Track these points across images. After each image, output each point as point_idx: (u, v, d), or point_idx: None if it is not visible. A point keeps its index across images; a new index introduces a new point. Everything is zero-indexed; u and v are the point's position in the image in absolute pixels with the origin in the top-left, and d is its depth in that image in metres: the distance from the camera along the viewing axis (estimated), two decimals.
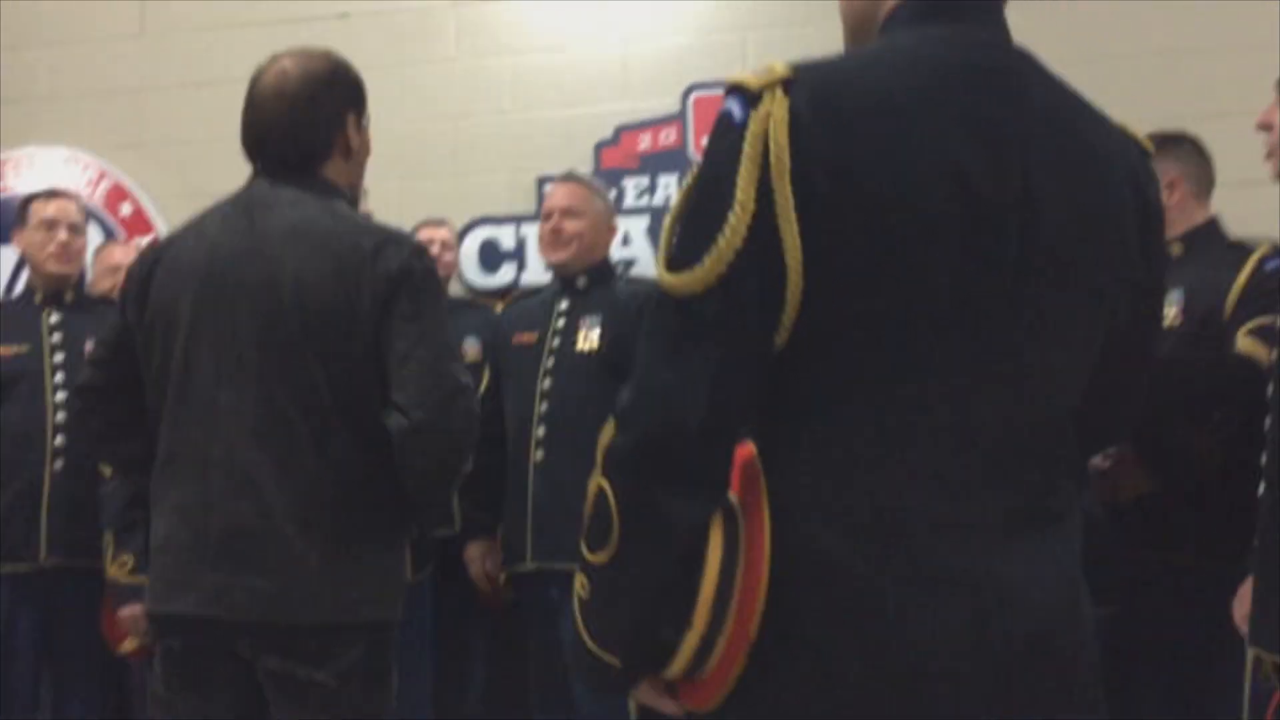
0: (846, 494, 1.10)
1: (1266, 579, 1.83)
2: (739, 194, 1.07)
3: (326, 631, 1.79)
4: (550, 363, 3.08)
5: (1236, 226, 2.94)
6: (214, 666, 1.84)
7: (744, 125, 1.09)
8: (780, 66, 1.13)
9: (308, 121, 1.91)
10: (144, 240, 4.63)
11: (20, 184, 4.89)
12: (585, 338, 3.05)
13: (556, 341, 3.09)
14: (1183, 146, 2.86)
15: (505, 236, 4.40)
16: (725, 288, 1.08)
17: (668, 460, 1.10)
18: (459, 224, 4.33)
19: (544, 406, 3.04)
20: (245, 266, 1.86)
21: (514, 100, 4.51)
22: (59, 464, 3.10)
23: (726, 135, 1.11)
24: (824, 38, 4.07)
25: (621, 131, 4.36)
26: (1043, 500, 1.15)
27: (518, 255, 4.38)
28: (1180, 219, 2.79)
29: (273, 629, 1.78)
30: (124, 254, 3.66)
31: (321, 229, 1.84)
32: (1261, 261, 2.72)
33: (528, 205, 4.36)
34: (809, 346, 1.11)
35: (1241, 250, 2.78)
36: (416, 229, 4.04)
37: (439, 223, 4.01)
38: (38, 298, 3.31)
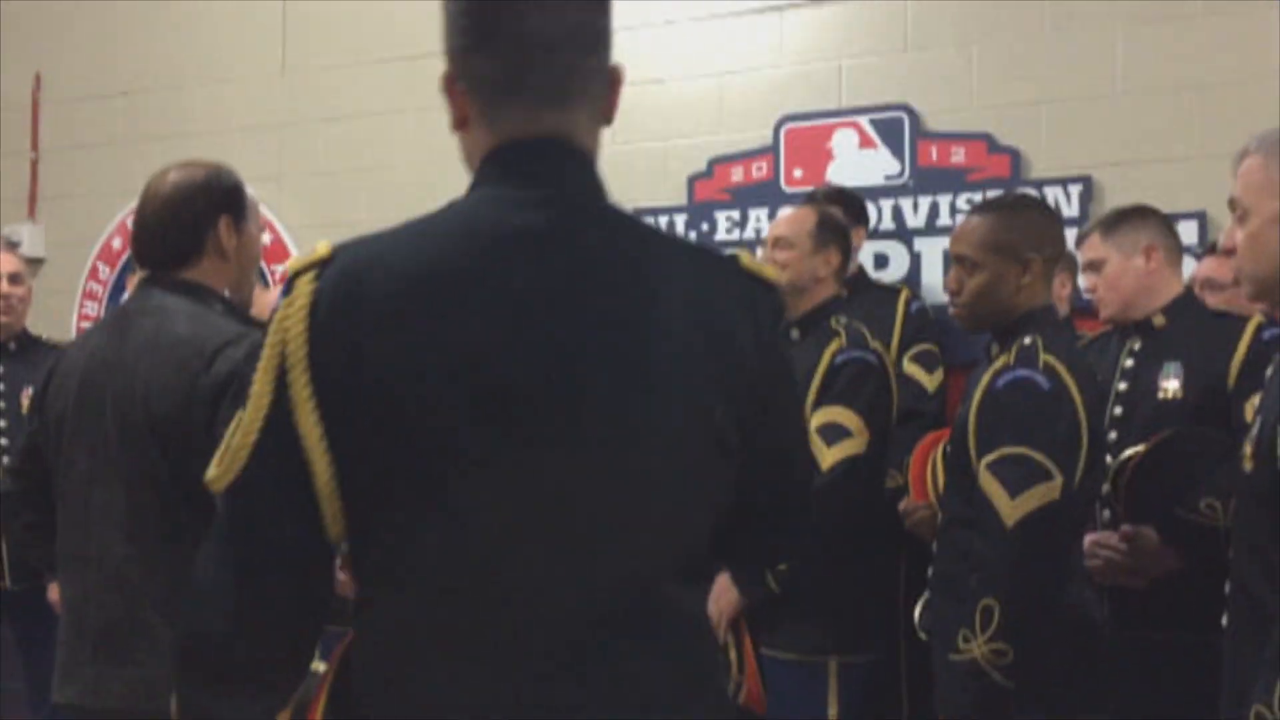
0: (395, 695, 1.07)
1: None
2: (255, 386, 1.07)
3: None
4: None
5: None
6: None
7: (275, 313, 1.09)
8: (323, 247, 1.12)
9: (176, 224, 2.02)
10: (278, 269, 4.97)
11: None
12: None
13: None
14: (1152, 217, 2.81)
15: None
16: (247, 484, 1.06)
17: (206, 661, 1.08)
18: None
19: None
20: (111, 376, 1.99)
21: (614, 132, 4.54)
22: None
23: (269, 323, 1.10)
24: (920, 65, 4.01)
25: (714, 164, 4.35)
26: (640, 688, 1.06)
27: None
28: (1161, 287, 2.78)
29: (146, 718, 1.85)
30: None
31: (172, 338, 1.95)
32: (1259, 330, 2.60)
33: None
34: (365, 536, 1.09)
35: (1229, 319, 2.69)
36: None
37: None
38: None
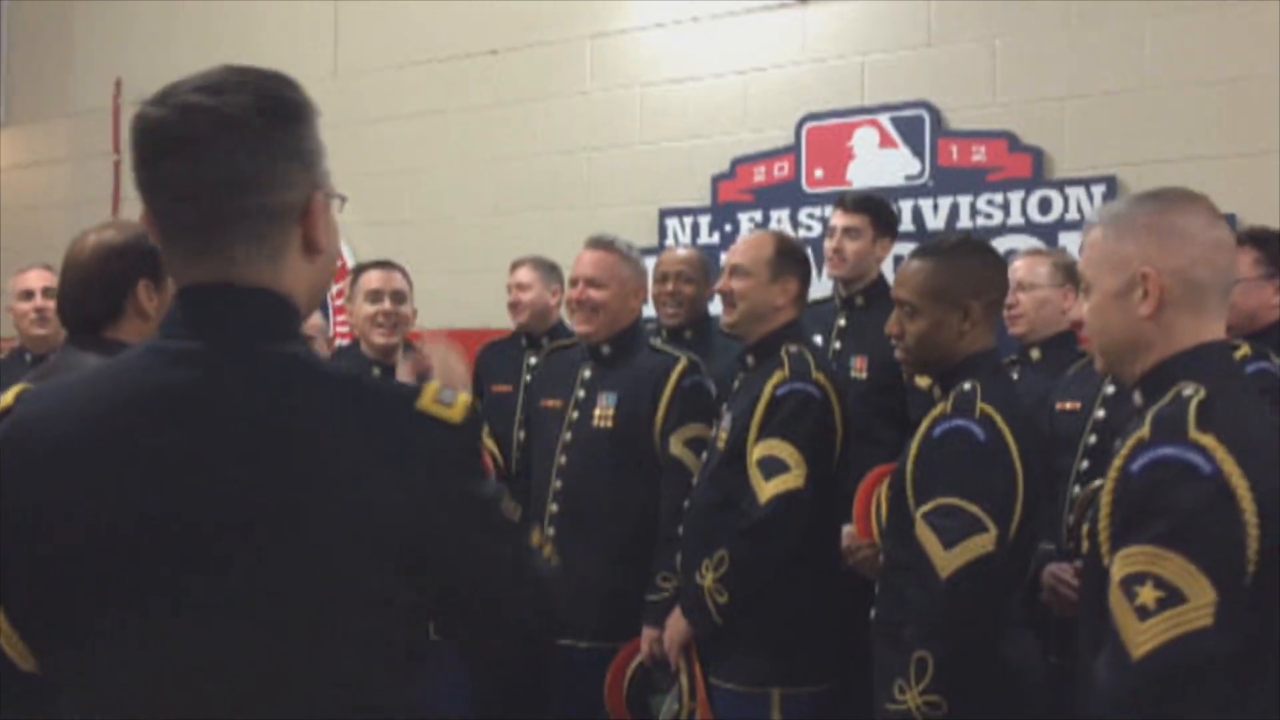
0: None
1: None
2: None
3: None
4: (568, 436, 3.13)
5: None
6: None
7: None
8: (9, 396, 1.14)
9: (95, 287, 2.06)
10: None
11: None
12: (601, 413, 3.09)
13: (576, 414, 3.13)
14: None
15: None
16: None
17: None
18: None
19: (558, 483, 3.12)
20: None
21: (641, 132, 4.55)
22: None
23: None
24: (944, 61, 3.88)
25: (737, 164, 4.31)
26: None
27: None
28: None
29: None
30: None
31: None
32: (1241, 364, 2.44)
33: (650, 238, 4.42)
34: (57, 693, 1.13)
35: None
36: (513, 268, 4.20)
37: (518, 264, 3.98)
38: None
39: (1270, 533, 1.50)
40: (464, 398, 1.17)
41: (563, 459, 3.12)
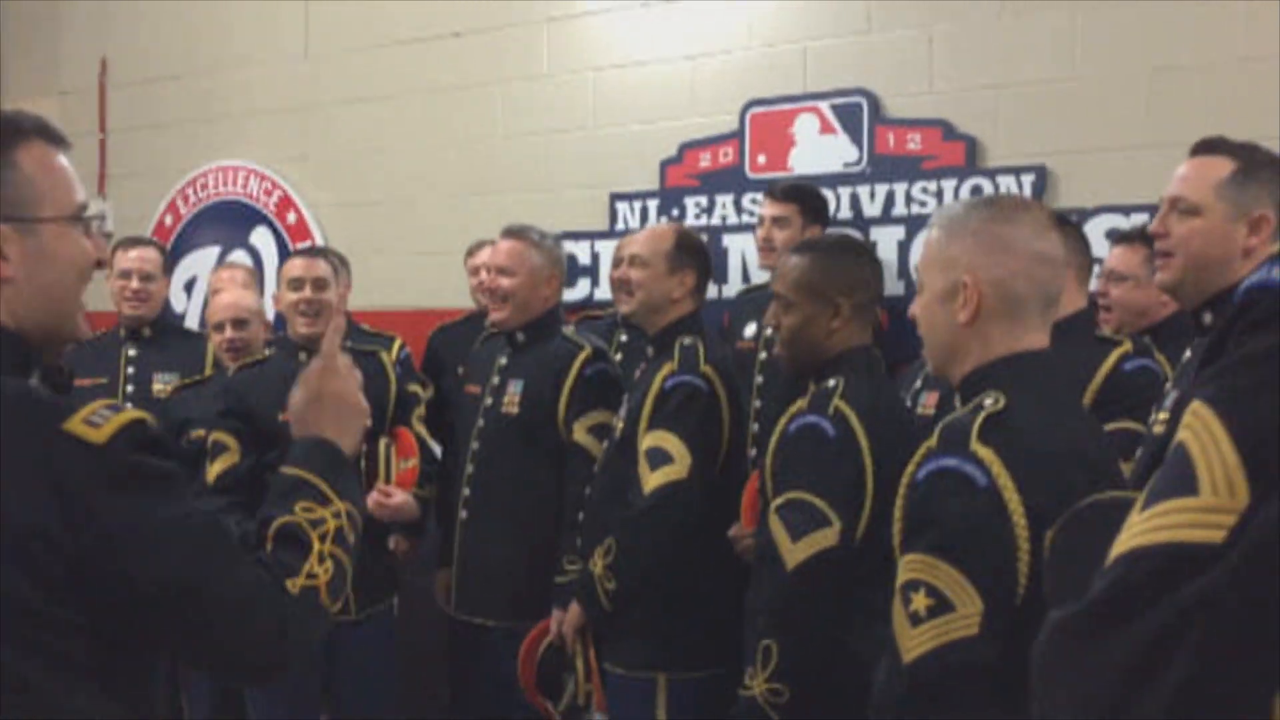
0: None
1: None
2: None
3: None
4: (481, 422, 3.21)
5: None
6: None
7: None
8: None
9: None
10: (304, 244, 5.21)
11: (216, 194, 5.64)
12: (509, 400, 3.16)
13: (490, 400, 3.21)
14: (1073, 233, 2.63)
15: (582, 252, 4.52)
16: None
17: None
18: None
19: (470, 468, 3.20)
20: None
21: (595, 116, 4.59)
22: None
23: None
24: (881, 48, 3.88)
25: (685, 149, 4.34)
26: None
27: (592, 271, 4.51)
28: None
29: None
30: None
31: None
32: (1121, 360, 2.46)
33: (602, 221, 4.47)
34: None
35: (1107, 345, 2.53)
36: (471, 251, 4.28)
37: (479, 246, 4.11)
38: (121, 333, 3.89)
39: (1039, 548, 1.54)
40: (120, 418, 1.20)
41: (475, 444, 3.21)
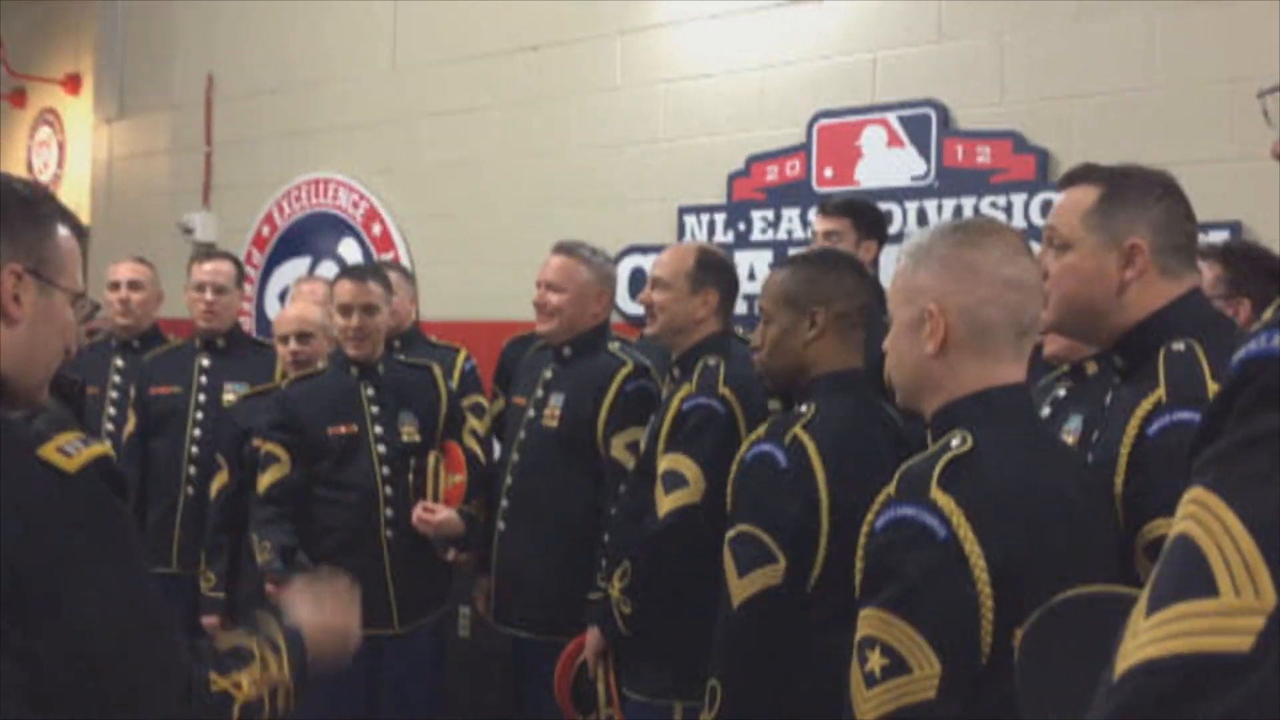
0: None
1: None
2: None
3: None
4: (523, 434, 3.20)
5: None
6: None
7: None
8: None
9: None
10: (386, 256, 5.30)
11: (309, 206, 5.78)
12: (550, 413, 3.15)
13: (532, 412, 3.20)
14: None
15: (649, 265, 4.46)
16: None
17: None
18: (614, 251, 4.49)
19: (510, 479, 3.20)
20: None
21: (665, 129, 4.56)
22: (190, 489, 3.81)
23: None
24: (952, 58, 3.76)
25: (752, 162, 4.27)
26: None
27: None
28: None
29: None
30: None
31: None
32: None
33: (670, 235, 4.43)
34: None
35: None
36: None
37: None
38: (196, 343, 4.01)
39: (1006, 602, 1.43)
40: (90, 451, 1.24)
41: (515, 456, 3.21)
